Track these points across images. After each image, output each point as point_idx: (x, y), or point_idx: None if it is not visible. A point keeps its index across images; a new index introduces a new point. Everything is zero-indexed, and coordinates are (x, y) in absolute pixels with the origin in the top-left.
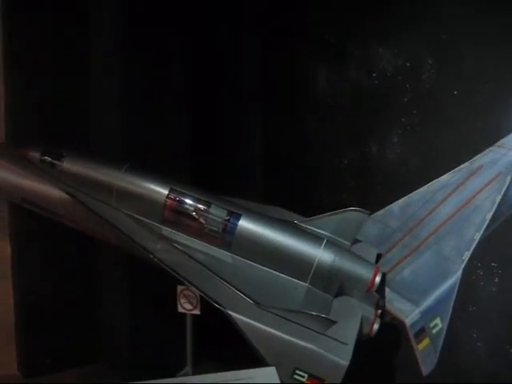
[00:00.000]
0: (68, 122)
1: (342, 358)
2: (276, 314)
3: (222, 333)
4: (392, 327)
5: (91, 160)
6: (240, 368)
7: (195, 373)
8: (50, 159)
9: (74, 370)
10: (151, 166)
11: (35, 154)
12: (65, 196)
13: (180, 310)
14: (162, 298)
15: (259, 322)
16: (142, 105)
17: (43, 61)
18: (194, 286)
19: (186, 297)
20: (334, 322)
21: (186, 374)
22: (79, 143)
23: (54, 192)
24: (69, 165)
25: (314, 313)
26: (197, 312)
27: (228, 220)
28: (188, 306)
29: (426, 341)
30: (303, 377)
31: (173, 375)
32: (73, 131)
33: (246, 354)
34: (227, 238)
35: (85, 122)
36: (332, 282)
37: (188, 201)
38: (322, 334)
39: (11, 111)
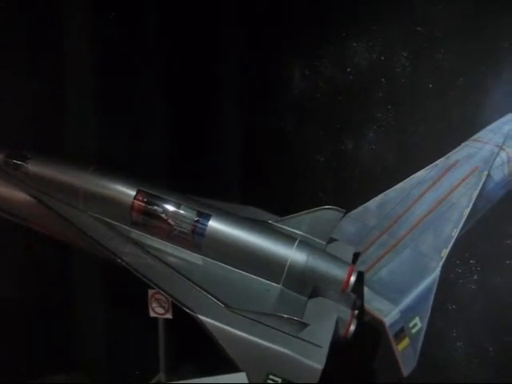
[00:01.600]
0: (39, 125)
1: (317, 361)
2: (247, 317)
3: (198, 337)
4: (371, 327)
5: (57, 162)
6: (216, 374)
7: (169, 379)
8: (14, 161)
9: (47, 377)
10: (125, 168)
11: None
12: (29, 199)
13: (152, 314)
14: (135, 302)
15: (230, 325)
16: (115, 105)
17: (13, 60)
18: (162, 289)
19: (157, 301)
20: (306, 325)
21: (158, 382)
22: (48, 145)
23: (18, 195)
24: (34, 167)
25: (286, 315)
26: (168, 316)
27: (197, 221)
28: (160, 310)
29: (406, 341)
30: (277, 382)
31: (146, 382)
32: (44, 134)
33: (222, 359)
34: (197, 239)
35: (56, 124)
36: (306, 283)
37: (156, 202)
38: (296, 337)
39: None
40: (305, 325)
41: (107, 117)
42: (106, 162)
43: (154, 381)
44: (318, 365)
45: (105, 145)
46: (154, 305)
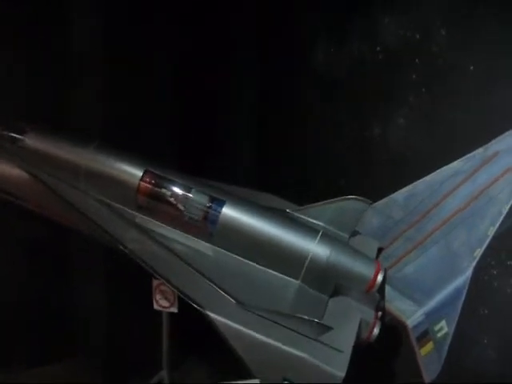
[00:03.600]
0: (40, 100)
1: (338, 368)
2: (262, 316)
3: (204, 332)
4: (391, 329)
5: (57, 136)
6: (222, 372)
7: (172, 378)
8: (10, 134)
9: (47, 367)
10: (131, 147)
11: None
12: (26, 176)
13: (156, 307)
14: (140, 292)
15: (243, 324)
16: (123, 82)
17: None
18: (168, 281)
19: (162, 292)
20: (329, 328)
21: (160, 380)
22: (48, 119)
23: (13, 171)
24: (31, 141)
25: (306, 317)
26: (174, 310)
27: (210, 207)
28: (164, 303)
29: (430, 345)
30: None
31: (148, 379)
32: (45, 110)
33: (230, 358)
34: (209, 227)
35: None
36: (327, 281)
37: (165, 184)
38: (315, 341)
39: None
40: (327, 328)
41: (113, 93)
42: (110, 140)
43: (155, 380)
44: (339, 372)
45: (110, 122)
46: (159, 297)
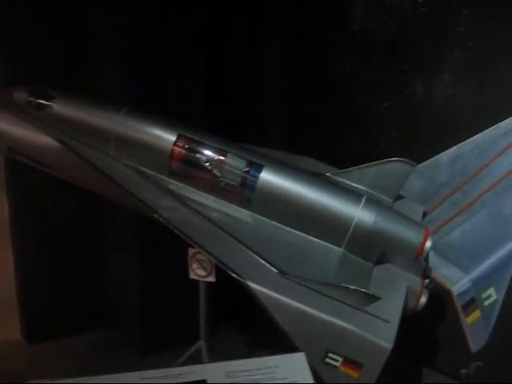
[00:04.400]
0: (67, 67)
1: (385, 339)
2: (305, 286)
3: (243, 301)
4: (436, 297)
5: (85, 101)
6: (261, 342)
7: (209, 348)
8: (37, 100)
9: (81, 336)
10: (160, 111)
11: (20, 95)
12: (55, 144)
13: (192, 276)
14: (175, 260)
15: (284, 295)
16: (150, 47)
17: None
18: (206, 250)
19: (198, 261)
20: (375, 298)
21: (198, 350)
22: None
23: (42, 139)
24: (59, 107)
25: (352, 286)
26: (211, 279)
27: (247, 172)
28: (201, 273)
29: (477, 313)
30: (337, 361)
31: (185, 348)
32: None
33: (269, 328)
34: (246, 193)
35: (86, 67)
36: (372, 248)
37: (200, 149)
38: (361, 311)
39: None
40: (374, 297)
41: (143, 58)
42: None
43: (192, 350)
44: (387, 343)
45: (138, 85)
46: (195, 266)
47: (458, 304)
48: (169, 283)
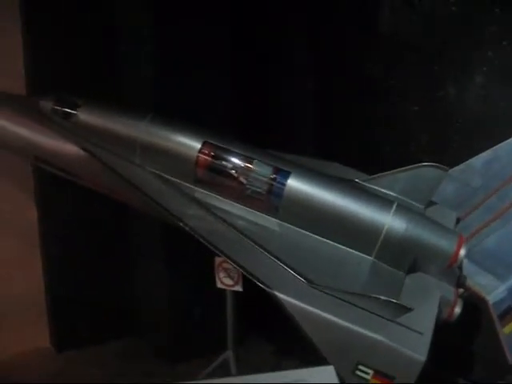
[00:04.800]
0: (93, 74)
1: (418, 351)
2: (334, 296)
3: (271, 310)
4: (470, 306)
5: (110, 109)
6: (289, 352)
7: (237, 359)
8: (63, 109)
9: (108, 344)
10: (185, 117)
11: (46, 104)
12: (80, 152)
13: (219, 285)
14: (204, 269)
15: (313, 305)
16: (175, 52)
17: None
18: (232, 259)
19: (225, 270)
20: (408, 309)
21: (226, 360)
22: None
23: (68, 148)
24: (85, 115)
25: (383, 297)
26: (238, 288)
27: (274, 179)
28: (228, 282)
29: None
30: (367, 373)
31: (213, 358)
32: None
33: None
34: (273, 200)
35: (111, 73)
36: (404, 256)
37: (225, 156)
38: (393, 322)
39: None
40: (406, 308)
41: (166, 65)
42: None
43: (220, 360)
44: (419, 356)
45: (164, 95)
46: (222, 275)
47: (494, 313)
48: (197, 292)
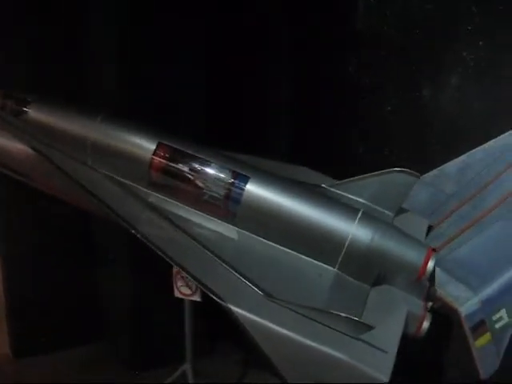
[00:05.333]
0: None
1: (381, 370)
2: (293, 310)
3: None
4: (441, 317)
5: (62, 107)
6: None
7: (199, 370)
8: (12, 106)
9: (69, 350)
10: (143, 118)
11: None
12: (30, 152)
13: (177, 294)
14: (162, 274)
15: (270, 320)
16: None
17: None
18: (184, 269)
19: (183, 279)
20: (369, 328)
21: (183, 373)
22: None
23: (17, 147)
24: (35, 113)
25: (343, 314)
26: (196, 298)
27: (232, 184)
28: (186, 291)
29: (487, 336)
30: None
31: (172, 369)
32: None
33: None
34: (231, 206)
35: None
36: (369, 268)
37: (181, 159)
38: (354, 339)
39: None
40: (368, 327)
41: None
42: (120, 111)
43: (177, 373)
44: (382, 376)
45: (120, 92)
46: (180, 284)
47: (466, 326)
48: (160, 299)
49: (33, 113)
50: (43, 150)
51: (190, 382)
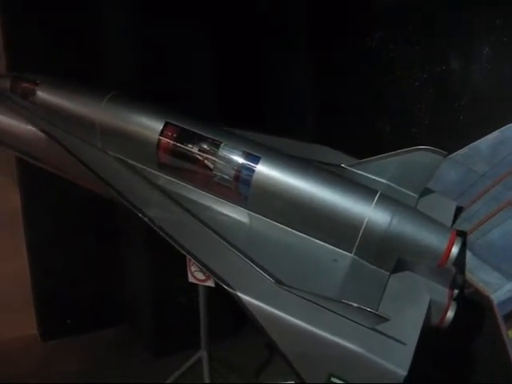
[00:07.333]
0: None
1: (398, 363)
2: (305, 299)
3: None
4: (473, 304)
5: (70, 88)
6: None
7: (211, 358)
8: (21, 87)
9: (95, 332)
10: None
11: (4, 82)
12: (40, 135)
13: (191, 279)
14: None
15: (281, 308)
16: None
17: None
18: (191, 254)
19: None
20: (384, 319)
21: (198, 361)
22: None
23: (28, 129)
24: (43, 94)
25: (355, 304)
26: (210, 284)
27: (242, 165)
28: (200, 276)
29: None
30: None
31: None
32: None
33: None
34: (241, 189)
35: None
36: (387, 254)
37: (189, 139)
38: (371, 329)
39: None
40: (383, 318)
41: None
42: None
43: (193, 359)
44: (399, 369)
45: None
46: (193, 269)
47: (499, 314)
48: (182, 283)
49: (41, 94)
50: (52, 132)
51: (204, 370)
